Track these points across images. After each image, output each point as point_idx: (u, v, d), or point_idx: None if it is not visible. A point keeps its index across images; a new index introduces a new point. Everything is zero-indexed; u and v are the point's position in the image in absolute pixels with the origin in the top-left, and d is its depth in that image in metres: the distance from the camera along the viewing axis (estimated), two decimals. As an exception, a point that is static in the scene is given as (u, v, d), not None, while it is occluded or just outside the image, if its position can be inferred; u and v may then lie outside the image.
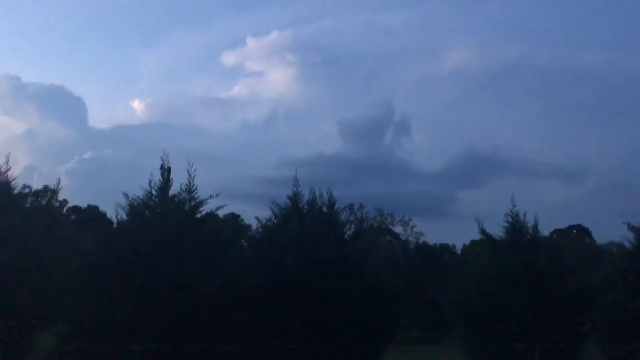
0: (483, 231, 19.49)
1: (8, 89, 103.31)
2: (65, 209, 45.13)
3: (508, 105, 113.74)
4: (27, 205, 13.53)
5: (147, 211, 14.60)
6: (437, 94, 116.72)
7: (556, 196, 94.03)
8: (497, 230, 19.38)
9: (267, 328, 13.92)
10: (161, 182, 14.72)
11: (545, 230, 27.75)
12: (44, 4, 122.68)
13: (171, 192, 14.82)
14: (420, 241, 53.83)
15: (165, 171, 14.87)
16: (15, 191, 13.41)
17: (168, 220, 14.02)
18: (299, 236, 15.10)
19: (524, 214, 19.23)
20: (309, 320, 14.01)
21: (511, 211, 19.16)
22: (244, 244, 18.17)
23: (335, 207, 16.62)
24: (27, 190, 14.36)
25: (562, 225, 63.63)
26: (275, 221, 16.10)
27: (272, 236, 15.66)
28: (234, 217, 41.54)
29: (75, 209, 52.38)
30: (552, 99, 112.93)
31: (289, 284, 14.25)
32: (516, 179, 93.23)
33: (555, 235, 54.96)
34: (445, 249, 54.02)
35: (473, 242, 32.34)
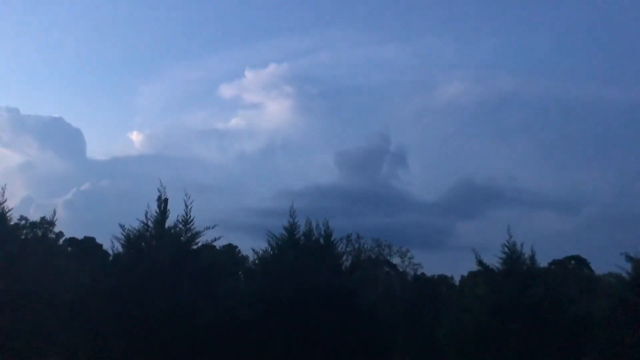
0: (480, 262, 19.48)
1: (7, 121, 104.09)
2: (61, 241, 44.91)
3: (503, 137, 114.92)
4: (23, 236, 13.48)
5: (142, 243, 14.59)
6: (433, 126, 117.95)
7: (553, 227, 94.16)
8: (494, 261, 19.39)
9: (262, 357, 13.79)
10: (157, 214, 14.76)
11: (543, 261, 27.74)
12: (44, 37, 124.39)
13: (167, 223, 14.85)
14: (419, 272, 53.62)
15: (162, 202, 14.91)
16: (12, 222, 13.39)
17: (163, 251, 14.01)
18: (294, 267, 15.08)
19: (521, 244, 19.26)
20: (303, 351, 13.90)
21: (508, 242, 19.19)
22: (241, 275, 18.11)
23: (332, 238, 16.64)
24: (23, 221, 14.34)
25: (560, 256, 63.45)
26: (271, 252, 16.10)
27: (267, 267, 15.63)
28: (230, 248, 41.38)
29: (72, 240, 52.14)
30: (547, 131, 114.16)
31: (284, 314, 14.18)
32: (513, 209, 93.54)
33: (553, 266, 54.78)
34: (443, 280, 53.70)
35: (471, 273, 32.23)
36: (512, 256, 19.07)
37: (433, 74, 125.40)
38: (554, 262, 58.15)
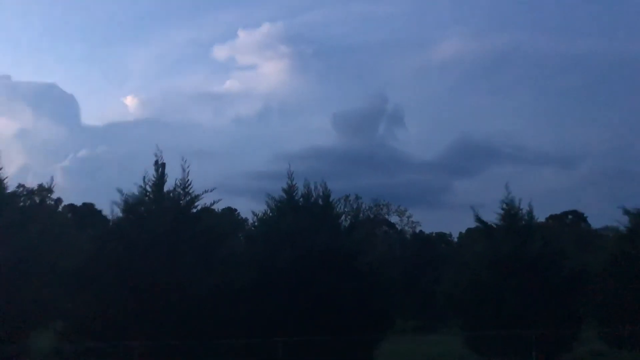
0: (478, 218, 19.60)
1: (0, 88, 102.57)
2: (60, 207, 45.02)
3: (501, 94, 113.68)
4: (21, 204, 13.46)
5: (142, 207, 14.58)
6: (430, 84, 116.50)
7: (551, 183, 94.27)
8: (492, 217, 19.52)
9: (263, 322, 13.97)
10: (155, 178, 14.69)
11: (541, 217, 27.95)
12: (33, 3, 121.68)
13: (166, 188, 14.80)
14: (417, 231, 54.06)
15: (160, 167, 14.82)
16: (9, 190, 13.34)
17: (163, 216, 14.01)
18: (294, 229, 15.14)
19: (519, 200, 19.37)
20: (305, 313, 14.07)
21: (506, 198, 19.29)
22: (241, 238, 18.21)
23: (331, 199, 16.67)
24: (21, 189, 14.29)
25: (558, 211, 63.87)
26: (270, 215, 16.14)
27: (267, 230, 15.69)
28: (230, 212, 41.53)
29: (71, 207, 52.25)
30: (544, 86, 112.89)
31: (285, 277, 14.30)
32: (511, 166, 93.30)
33: (550, 221, 55.16)
34: (442, 238, 54.20)
35: (469, 230, 32.46)
36: (510, 212, 19.18)
37: (430, 31, 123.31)
38: (552, 217, 58.58)
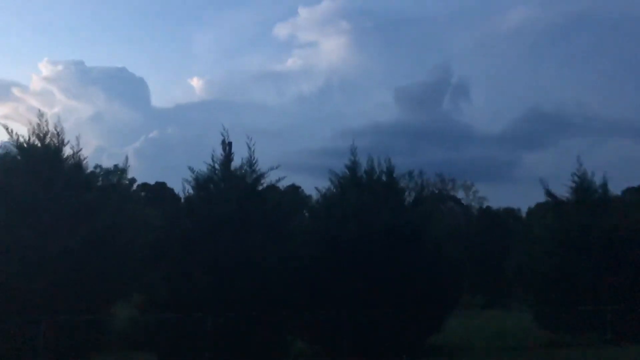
0: (548, 192, 19.01)
1: (74, 74, 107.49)
2: (134, 187, 47.01)
3: (572, 62, 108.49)
4: (99, 184, 14.17)
5: (211, 185, 15.05)
6: (497, 54, 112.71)
7: (627, 153, 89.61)
8: (563, 191, 18.87)
9: (330, 296, 14.21)
10: (223, 157, 15.11)
11: (617, 190, 26.75)
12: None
13: (233, 166, 15.20)
14: (484, 206, 52.92)
15: (227, 146, 15.23)
16: (87, 171, 14.07)
17: (231, 193, 14.42)
18: (357, 205, 15.21)
19: (592, 173, 18.61)
20: (370, 287, 14.19)
21: (578, 170, 18.59)
22: (306, 214, 18.46)
23: (394, 174, 16.58)
24: (98, 170, 15.04)
25: (635, 184, 60.75)
26: (334, 191, 16.26)
27: (331, 206, 15.84)
28: (294, 189, 42.07)
29: (145, 186, 54.47)
30: (616, 53, 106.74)
31: (350, 252, 14.44)
32: (583, 138, 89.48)
33: (627, 195, 52.58)
34: (510, 213, 52.78)
35: (539, 205, 31.46)
36: (582, 185, 18.48)
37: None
38: (629, 190, 55.80)
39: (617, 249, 17.08)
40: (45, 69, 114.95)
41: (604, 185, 18.69)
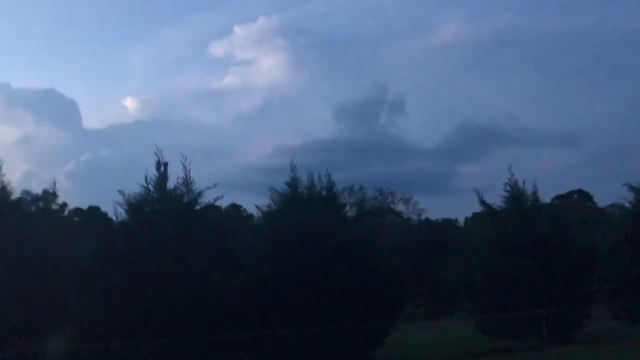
0: (483, 202, 19.58)
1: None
2: (66, 212, 45.18)
3: (502, 75, 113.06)
4: (27, 210, 13.50)
5: (146, 207, 14.57)
6: (430, 70, 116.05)
7: (556, 163, 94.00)
8: (498, 200, 19.47)
9: (273, 315, 13.99)
10: (157, 177, 14.67)
11: (546, 197, 27.82)
12: (25, 8, 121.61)
13: (169, 186, 14.77)
14: (423, 217, 53.97)
15: (162, 165, 14.81)
16: (14, 197, 13.38)
17: (167, 214, 14.01)
18: (299, 221, 15.12)
19: (523, 182, 19.32)
20: (314, 304, 14.06)
21: (510, 180, 19.23)
22: (248, 233, 18.20)
23: (334, 189, 16.65)
24: (26, 196, 14.37)
25: (563, 191, 63.73)
26: (275, 208, 16.14)
27: (273, 223, 15.69)
28: (235, 208, 41.59)
29: (77, 211, 52.46)
30: (545, 65, 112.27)
31: (293, 269, 14.29)
32: (515, 148, 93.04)
33: (556, 201, 54.99)
34: (449, 223, 54.13)
35: (475, 215, 32.36)
36: (515, 194, 19.13)
37: (427, 16, 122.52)
38: (558, 197, 58.43)
39: (550, 255, 17.72)
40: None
41: (535, 193, 19.44)
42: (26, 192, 15.49)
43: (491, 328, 17.45)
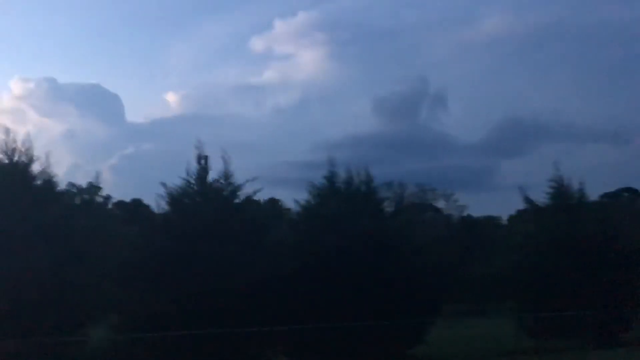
0: (527, 199, 19.05)
1: (46, 91, 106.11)
2: (110, 204, 46.24)
3: (547, 69, 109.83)
4: (71, 201, 13.83)
5: (186, 200, 14.76)
6: (473, 63, 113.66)
7: (603, 159, 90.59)
8: (542, 197, 18.92)
9: (311, 308, 13.95)
10: (197, 170, 14.85)
11: (594, 195, 26.92)
12: (71, 7, 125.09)
13: (208, 179, 14.93)
14: (465, 214, 53.07)
15: (203, 159, 14.99)
16: (59, 189, 13.71)
17: (207, 207, 14.16)
18: (336, 215, 15.05)
19: (569, 178, 18.70)
20: (351, 299, 13.96)
21: (555, 177, 18.67)
22: (285, 226, 18.22)
23: (373, 184, 16.49)
24: (71, 188, 14.77)
25: (612, 188, 61.55)
26: (312, 202, 16.09)
27: (309, 217, 15.65)
28: (273, 202, 41.77)
29: (120, 203, 53.57)
30: (591, 59, 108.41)
31: (328, 263, 14.22)
32: (560, 144, 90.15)
33: (604, 199, 53.18)
34: (490, 220, 53.04)
35: (519, 212, 31.64)
36: (560, 190, 18.55)
37: (471, 8, 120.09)
38: (606, 195, 56.47)
39: (596, 254, 17.13)
40: (16, 86, 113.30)
41: (581, 190, 18.81)
42: (72, 185, 15.86)
43: (534, 327, 16.99)
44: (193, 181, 14.84)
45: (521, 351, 16.26)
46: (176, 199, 14.73)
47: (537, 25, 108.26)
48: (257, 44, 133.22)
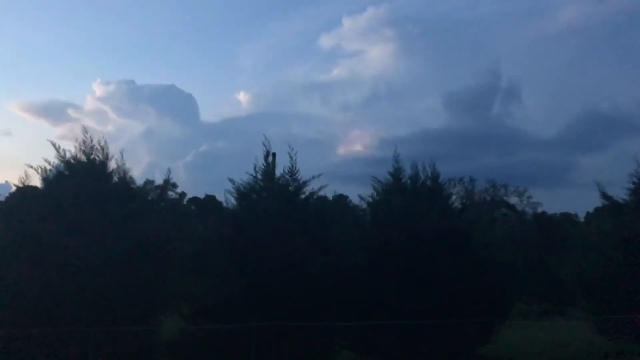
0: (605, 195, 18.20)
1: (125, 93, 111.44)
2: (185, 200, 47.97)
3: (628, 60, 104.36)
4: (145, 197, 14.42)
5: (253, 195, 15.12)
6: (549, 55, 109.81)
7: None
8: (621, 194, 18.02)
9: (375, 305, 13.91)
10: (265, 167, 15.19)
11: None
12: (147, 12, 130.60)
13: (276, 175, 15.25)
14: (539, 211, 51.21)
15: (270, 156, 15.33)
16: (134, 185, 14.34)
17: (272, 201, 14.45)
18: (401, 210, 14.93)
19: (652, 174, 17.65)
20: (417, 296, 13.82)
21: (636, 172, 17.71)
22: (350, 221, 18.23)
23: (440, 180, 16.22)
24: (148, 184, 15.47)
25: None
26: (377, 198, 16.04)
27: (375, 213, 15.61)
28: (341, 199, 41.89)
29: (195, 200, 55.51)
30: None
31: (394, 259, 14.14)
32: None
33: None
34: (567, 218, 50.92)
35: (597, 209, 30.19)
36: (641, 186, 17.59)
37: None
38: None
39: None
40: (98, 89, 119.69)
41: (665, 186, 17.73)
42: (149, 182, 16.56)
43: (612, 330, 16.20)
44: (260, 177, 15.20)
45: (597, 355, 15.55)
46: (243, 194, 15.11)
47: (618, 14, 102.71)
48: (326, 41, 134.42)
